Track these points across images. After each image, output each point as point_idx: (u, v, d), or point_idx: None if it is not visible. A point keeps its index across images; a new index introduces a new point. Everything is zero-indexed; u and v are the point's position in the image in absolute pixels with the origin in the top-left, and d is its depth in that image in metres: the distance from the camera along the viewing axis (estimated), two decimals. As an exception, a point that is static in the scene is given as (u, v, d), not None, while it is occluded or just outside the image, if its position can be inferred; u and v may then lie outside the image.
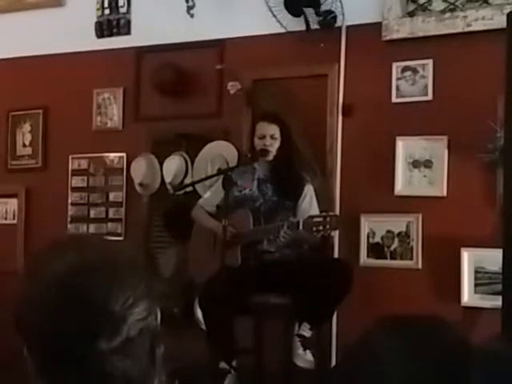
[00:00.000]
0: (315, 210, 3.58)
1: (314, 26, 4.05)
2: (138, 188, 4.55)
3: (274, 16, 4.10)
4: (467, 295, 3.71)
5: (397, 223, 3.90)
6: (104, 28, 4.76)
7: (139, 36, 4.63)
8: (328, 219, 3.28)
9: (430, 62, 3.88)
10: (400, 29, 3.91)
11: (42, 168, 4.92)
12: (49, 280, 0.96)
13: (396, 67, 3.95)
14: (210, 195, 3.84)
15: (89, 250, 1.00)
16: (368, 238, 3.96)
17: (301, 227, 3.33)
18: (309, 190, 3.64)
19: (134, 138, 4.60)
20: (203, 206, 3.83)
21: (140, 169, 4.50)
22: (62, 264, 0.97)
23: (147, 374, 0.98)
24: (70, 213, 4.80)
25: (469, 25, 3.75)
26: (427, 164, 3.88)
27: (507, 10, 3.44)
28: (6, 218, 5.03)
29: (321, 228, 3.26)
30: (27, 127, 4.98)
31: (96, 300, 0.94)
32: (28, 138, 4.98)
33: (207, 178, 3.95)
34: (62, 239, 1.04)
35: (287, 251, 3.56)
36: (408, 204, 3.86)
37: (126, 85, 4.69)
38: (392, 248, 3.92)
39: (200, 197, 3.99)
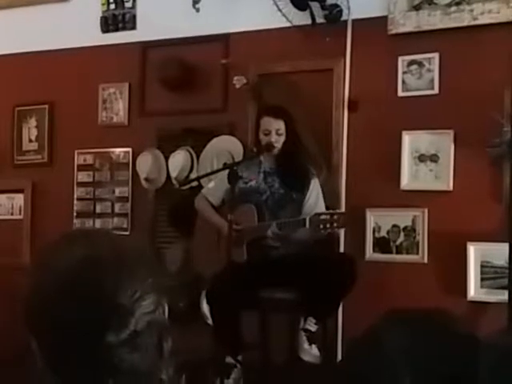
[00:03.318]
0: (321, 207, 3.58)
1: (320, 19, 4.04)
2: (143, 183, 4.55)
3: (280, 10, 4.09)
4: (473, 289, 3.70)
5: (403, 217, 3.90)
6: (109, 23, 4.76)
7: (145, 31, 4.63)
8: (335, 217, 3.28)
9: (436, 56, 3.87)
10: (406, 22, 3.90)
11: (48, 163, 4.93)
12: (57, 274, 0.97)
13: (402, 61, 3.94)
14: (214, 185, 3.82)
15: (97, 244, 1.00)
16: (374, 232, 3.96)
17: (307, 225, 3.32)
18: (315, 186, 3.63)
19: (139, 132, 4.61)
20: (206, 197, 3.82)
21: (146, 164, 4.50)
22: (71, 258, 0.97)
23: (155, 367, 0.98)
24: (75, 208, 4.82)
25: (475, 18, 3.73)
26: (433, 158, 3.87)
27: (514, 3, 3.43)
28: (12, 214, 5.04)
29: (328, 226, 3.25)
30: (33, 122, 4.99)
31: (104, 293, 0.95)
32: (34, 133, 4.99)
33: (213, 172, 3.95)
34: (70, 233, 1.04)
35: (293, 246, 3.56)
36: (414, 198, 3.85)
37: (131, 80, 4.69)
38: (398, 242, 3.92)
39: (206, 191, 3.99)
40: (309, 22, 4.05)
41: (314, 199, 3.60)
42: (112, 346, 0.94)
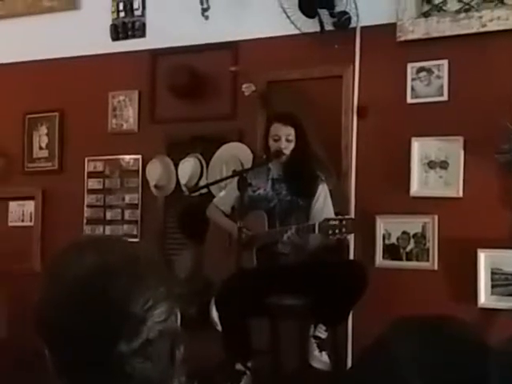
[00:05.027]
0: (329, 211, 3.58)
1: (329, 27, 4.04)
2: (153, 190, 4.57)
3: (289, 17, 4.10)
4: (484, 296, 3.68)
5: (412, 224, 3.89)
6: (119, 31, 4.78)
7: (154, 38, 4.65)
8: (344, 223, 3.27)
9: (445, 63, 3.86)
10: (415, 29, 3.90)
11: (59, 170, 4.95)
12: (69, 282, 0.97)
13: (411, 68, 3.94)
14: (225, 194, 3.84)
15: (109, 252, 1.00)
16: (383, 239, 3.95)
17: (316, 230, 3.32)
18: (323, 190, 3.63)
19: (149, 140, 4.62)
20: (218, 206, 3.84)
21: (155, 171, 4.51)
22: (83, 266, 0.97)
23: (167, 376, 0.98)
24: (86, 215, 4.83)
25: (484, 25, 3.73)
26: (443, 165, 3.86)
27: (523, 9, 3.43)
28: (22, 220, 5.07)
29: (337, 231, 3.25)
30: (44, 130, 5.02)
31: (116, 302, 0.95)
32: (44, 140, 5.02)
33: (222, 179, 3.96)
34: (82, 241, 1.04)
35: (302, 253, 3.55)
36: (424, 205, 3.85)
37: (141, 87, 4.71)
38: (408, 249, 3.91)
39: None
40: (317, 29, 4.06)
41: (321, 204, 3.59)
42: (124, 355, 0.94)
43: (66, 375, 0.98)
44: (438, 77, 3.88)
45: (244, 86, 4.27)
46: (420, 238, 3.87)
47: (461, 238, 3.73)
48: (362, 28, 4.03)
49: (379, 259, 3.95)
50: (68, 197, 4.85)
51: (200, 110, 4.50)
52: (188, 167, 4.40)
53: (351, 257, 3.97)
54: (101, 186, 4.82)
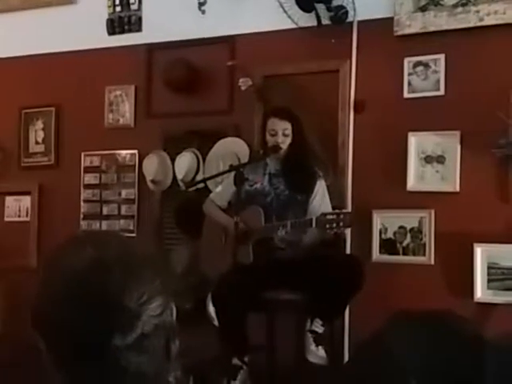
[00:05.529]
0: (327, 208, 3.58)
1: (326, 21, 4.04)
2: (149, 185, 4.56)
3: (285, 12, 4.09)
4: (480, 291, 3.69)
5: (409, 219, 3.89)
6: (115, 25, 4.77)
7: (150, 33, 4.64)
8: (341, 217, 3.28)
9: (442, 57, 3.86)
10: (412, 24, 3.89)
11: (55, 165, 4.95)
12: (65, 276, 0.97)
13: (408, 62, 3.94)
14: (221, 189, 3.84)
15: (105, 247, 1.00)
16: (380, 233, 3.96)
17: (314, 225, 3.33)
18: (320, 187, 3.63)
19: (145, 134, 4.62)
20: (214, 201, 3.84)
21: (152, 166, 4.51)
22: (79, 260, 0.98)
23: (162, 370, 0.98)
24: (82, 210, 4.83)
25: (481, 19, 3.73)
26: (440, 159, 3.86)
27: (520, 4, 3.43)
28: (19, 216, 5.06)
29: (334, 226, 3.26)
30: (40, 125, 5.01)
31: (111, 296, 0.95)
32: (41, 135, 5.01)
33: (219, 174, 3.95)
34: (79, 236, 1.04)
35: (299, 247, 3.56)
36: (420, 200, 3.85)
37: (137, 82, 4.70)
38: (404, 244, 3.91)
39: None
40: (314, 23, 4.06)
41: (319, 200, 3.60)
42: (119, 349, 0.94)
43: (62, 369, 0.98)
44: (435, 71, 3.88)
45: (241, 80, 4.26)
46: (417, 232, 3.87)
47: (457, 232, 3.73)
48: (359, 22, 4.03)
49: (376, 254, 3.95)
50: (64, 192, 4.85)
51: (197, 104, 4.49)
52: (185, 162, 4.40)
53: (348, 251, 3.97)
54: (97, 181, 4.81)
